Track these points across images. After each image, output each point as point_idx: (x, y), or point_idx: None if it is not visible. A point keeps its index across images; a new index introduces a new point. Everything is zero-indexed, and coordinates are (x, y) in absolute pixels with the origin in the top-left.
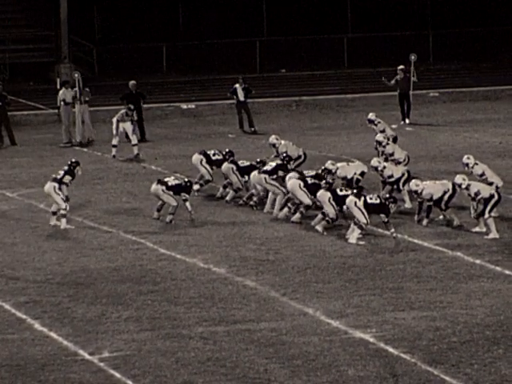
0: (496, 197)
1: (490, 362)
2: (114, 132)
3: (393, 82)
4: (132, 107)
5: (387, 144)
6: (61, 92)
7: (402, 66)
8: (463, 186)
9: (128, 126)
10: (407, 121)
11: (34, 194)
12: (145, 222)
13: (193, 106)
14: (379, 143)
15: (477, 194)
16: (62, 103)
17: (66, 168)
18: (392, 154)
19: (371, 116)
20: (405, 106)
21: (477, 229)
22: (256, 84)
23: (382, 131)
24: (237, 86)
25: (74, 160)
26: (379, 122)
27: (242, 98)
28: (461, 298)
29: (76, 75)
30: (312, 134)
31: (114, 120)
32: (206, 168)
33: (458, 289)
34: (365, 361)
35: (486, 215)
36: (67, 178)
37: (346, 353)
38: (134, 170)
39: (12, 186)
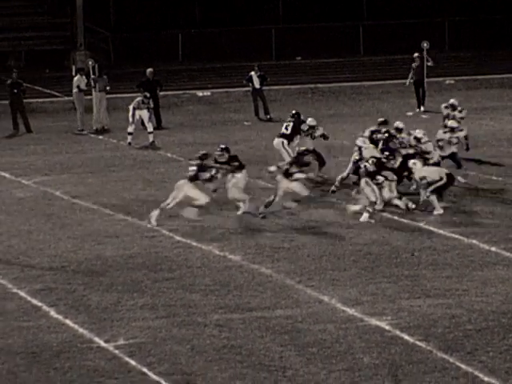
0: (445, 180)
1: (505, 349)
2: (130, 119)
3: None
4: (148, 95)
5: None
6: (75, 79)
7: (417, 54)
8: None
9: (144, 114)
10: (422, 108)
11: (50, 182)
12: (162, 209)
13: (209, 94)
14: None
15: (422, 178)
16: (76, 90)
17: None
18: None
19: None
20: (420, 94)
21: (435, 212)
22: (271, 71)
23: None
24: (252, 73)
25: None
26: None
27: (257, 86)
28: (476, 286)
29: (90, 63)
30: (328, 122)
31: (131, 107)
32: (287, 151)
33: (473, 276)
34: (380, 348)
35: (428, 193)
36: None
37: (361, 340)
38: (150, 157)
39: (27, 173)
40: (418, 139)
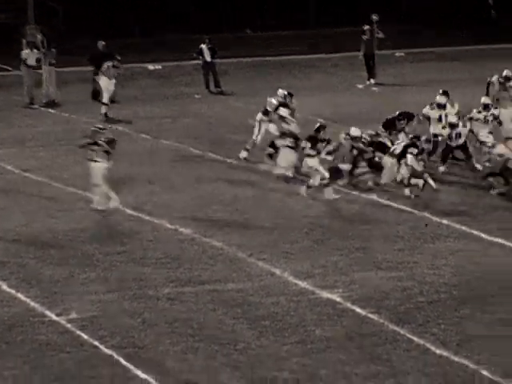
0: None
1: (456, 321)
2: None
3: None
4: (116, 62)
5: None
6: (23, 53)
7: (368, 26)
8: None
9: (104, 81)
10: (373, 81)
11: (1, 155)
12: (112, 184)
13: (160, 67)
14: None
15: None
16: (24, 64)
17: None
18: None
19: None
20: (370, 66)
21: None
22: (222, 44)
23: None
24: (203, 46)
25: None
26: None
27: (208, 59)
28: (428, 258)
29: (39, 36)
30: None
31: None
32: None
33: (424, 249)
34: (332, 321)
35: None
36: None
37: (313, 313)
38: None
39: None
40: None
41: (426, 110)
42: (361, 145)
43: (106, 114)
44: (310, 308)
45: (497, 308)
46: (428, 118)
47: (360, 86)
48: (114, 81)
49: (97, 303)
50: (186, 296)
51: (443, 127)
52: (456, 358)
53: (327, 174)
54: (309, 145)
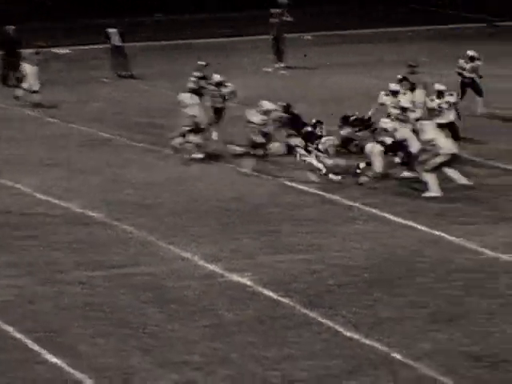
0: None
1: (367, 304)
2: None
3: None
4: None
5: None
6: None
7: (276, 10)
8: None
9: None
10: (281, 64)
11: None
12: (20, 168)
13: (68, 51)
14: None
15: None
16: None
17: None
18: None
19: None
20: (279, 49)
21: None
22: (131, 28)
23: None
24: (111, 30)
25: None
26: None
27: (117, 43)
28: (338, 241)
29: None
30: (187, 78)
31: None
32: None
33: (334, 232)
34: (242, 304)
35: None
36: None
37: (223, 296)
38: (8, 114)
39: None
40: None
41: (382, 98)
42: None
43: (17, 96)
44: (221, 291)
45: (406, 290)
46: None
47: (268, 69)
48: (36, 67)
49: (8, 288)
50: (97, 280)
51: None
52: (367, 341)
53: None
54: (303, 142)
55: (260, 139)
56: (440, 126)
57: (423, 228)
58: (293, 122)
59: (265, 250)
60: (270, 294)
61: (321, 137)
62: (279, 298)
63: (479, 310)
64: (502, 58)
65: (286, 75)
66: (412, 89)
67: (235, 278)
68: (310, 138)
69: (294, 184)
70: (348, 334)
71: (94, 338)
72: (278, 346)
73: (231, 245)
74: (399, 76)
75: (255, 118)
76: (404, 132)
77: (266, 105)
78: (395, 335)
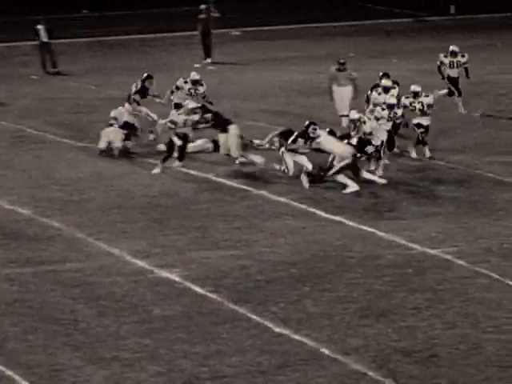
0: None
1: (296, 299)
2: None
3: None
4: None
5: None
6: None
7: (204, 5)
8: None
9: None
10: (209, 60)
11: None
12: None
13: None
14: None
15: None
16: None
17: None
18: None
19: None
20: (207, 45)
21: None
22: (59, 25)
23: None
24: (39, 26)
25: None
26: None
27: (44, 39)
28: (266, 237)
29: None
30: (115, 74)
31: None
32: None
33: (263, 227)
34: (171, 300)
35: None
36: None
37: (152, 292)
38: None
39: None
40: None
41: (375, 96)
42: None
43: None
44: (149, 287)
45: (335, 286)
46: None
47: (197, 65)
48: None
49: None
50: (25, 276)
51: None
52: (295, 336)
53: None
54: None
55: (178, 140)
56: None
57: (352, 223)
58: (215, 120)
59: (193, 246)
60: (199, 289)
61: (313, 138)
62: (208, 294)
63: (408, 305)
64: (428, 53)
65: (214, 71)
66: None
67: (164, 273)
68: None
69: (222, 180)
70: (277, 329)
71: (23, 335)
72: (206, 341)
73: (160, 241)
74: (381, 73)
75: (178, 118)
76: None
77: (191, 104)
78: (324, 330)
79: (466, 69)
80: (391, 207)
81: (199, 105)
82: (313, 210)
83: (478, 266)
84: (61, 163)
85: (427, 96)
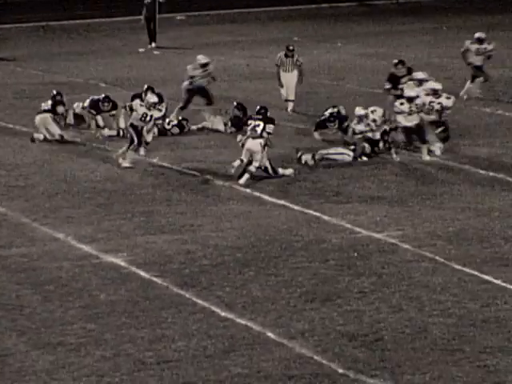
0: None
1: (241, 284)
2: None
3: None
4: None
5: None
6: None
7: None
8: None
9: None
10: (154, 44)
11: None
12: None
13: None
14: None
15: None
16: None
17: None
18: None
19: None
20: (151, 30)
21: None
22: (1, 10)
23: None
24: None
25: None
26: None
27: None
28: (211, 221)
29: None
30: (60, 60)
31: None
32: None
33: (208, 212)
34: (116, 285)
35: None
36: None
37: (97, 277)
38: None
39: None
40: None
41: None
42: None
43: None
44: (95, 272)
45: (281, 270)
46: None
47: (141, 50)
48: None
49: None
50: None
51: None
52: (241, 321)
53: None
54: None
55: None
56: None
57: (297, 207)
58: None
59: (138, 231)
60: (144, 274)
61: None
62: (153, 279)
63: (353, 289)
64: (373, 37)
65: (158, 55)
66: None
67: (109, 258)
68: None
69: (167, 164)
70: (222, 313)
71: None
72: (152, 326)
73: (105, 226)
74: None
75: (138, 108)
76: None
77: (153, 98)
78: (269, 315)
79: (488, 57)
80: (336, 191)
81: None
82: (258, 194)
83: (423, 249)
84: (6, 149)
85: (449, 98)
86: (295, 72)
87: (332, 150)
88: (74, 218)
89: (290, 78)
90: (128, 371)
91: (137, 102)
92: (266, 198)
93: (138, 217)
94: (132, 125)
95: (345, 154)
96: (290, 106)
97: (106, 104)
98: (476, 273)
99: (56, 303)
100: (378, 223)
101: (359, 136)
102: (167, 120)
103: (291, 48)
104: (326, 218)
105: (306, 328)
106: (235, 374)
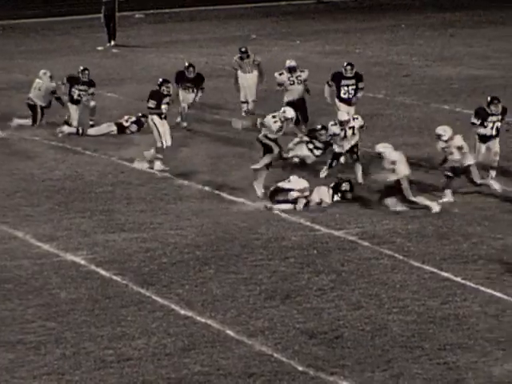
0: None
1: (201, 282)
2: None
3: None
4: None
5: None
6: None
7: None
8: None
9: None
10: (113, 42)
11: None
12: None
13: None
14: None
15: None
16: None
17: None
18: None
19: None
20: (111, 28)
21: None
22: None
23: None
24: None
25: None
26: None
27: None
28: (171, 219)
29: None
30: (19, 58)
31: None
32: None
33: (167, 210)
34: (76, 283)
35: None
36: None
37: (57, 276)
38: None
39: None
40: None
41: None
42: None
43: None
44: (54, 271)
45: (240, 268)
46: None
47: (100, 48)
48: None
49: None
50: None
51: None
52: (201, 319)
53: None
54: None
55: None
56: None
57: (256, 205)
58: None
59: (98, 229)
60: (104, 272)
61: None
62: (113, 277)
63: (313, 287)
64: (332, 35)
65: (118, 54)
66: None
67: (69, 257)
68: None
69: (126, 163)
70: (182, 311)
71: None
72: (112, 324)
73: (65, 224)
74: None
75: None
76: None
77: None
78: (229, 312)
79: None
80: None
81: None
82: (217, 192)
83: (383, 246)
84: None
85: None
86: (255, 72)
87: (298, 150)
88: (33, 217)
89: (250, 79)
90: (88, 369)
91: None
92: (226, 195)
93: (98, 215)
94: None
95: (311, 154)
96: (251, 105)
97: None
98: (435, 270)
99: (15, 302)
100: (338, 220)
101: (329, 138)
102: (125, 117)
103: (243, 50)
104: (285, 215)
105: (266, 326)
106: (195, 371)
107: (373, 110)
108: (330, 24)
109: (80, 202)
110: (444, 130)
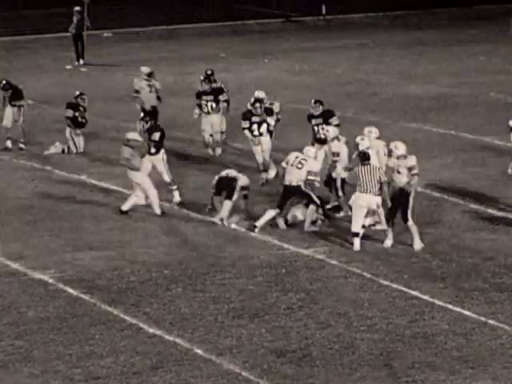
0: None
1: (169, 300)
2: None
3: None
4: None
5: None
6: None
7: (77, 8)
8: None
9: None
10: (82, 61)
11: None
12: None
13: None
14: None
15: None
16: None
17: None
18: None
19: None
20: (79, 47)
21: None
22: None
23: None
24: None
25: None
26: None
27: None
28: (139, 238)
29: None
30: None
31: None
32: None
33: (136, 228)
34: (45, 302)
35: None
36: None
37: (25, 294)
38: None
39: None
40: None
41: None
42: None
43: None
44: (23, 289)
45: (208, 286)
46: None
47: (69, 67)
48: None
49: None
50: None
51: None
52: (169, 337)
53: None
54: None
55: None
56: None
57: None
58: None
59: (66, 248)
60: (72, 291)
61: None
62: (81, 296)
63: (281, 305)
64: (300, 54)
65: (86, 72)
66: None
67: (37, 275)
68: None
69: (94, 182)
70: (150, 330)
71: None
72: (80, 343)
73: (33, 242)
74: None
75: None
76: None
77: None
78: (197, 331)
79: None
80: (262, 208)
81: None
82: (185, 211)
83: (351, 265)
84: None
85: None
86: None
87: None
88: (1, 236)
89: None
90: None
91: None
92: (194, 214)
93: (66, 233)
94: None
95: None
96: (223, 136)
97: None
98: (404, 288)
99: None
100: (306, 239)
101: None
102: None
103: (209, 72)
104: (253, 234)
105: (234, 344)
106: None
107: (341, 129)
108: (298, 42)
109: (48, 221)
110: (395, 146)
